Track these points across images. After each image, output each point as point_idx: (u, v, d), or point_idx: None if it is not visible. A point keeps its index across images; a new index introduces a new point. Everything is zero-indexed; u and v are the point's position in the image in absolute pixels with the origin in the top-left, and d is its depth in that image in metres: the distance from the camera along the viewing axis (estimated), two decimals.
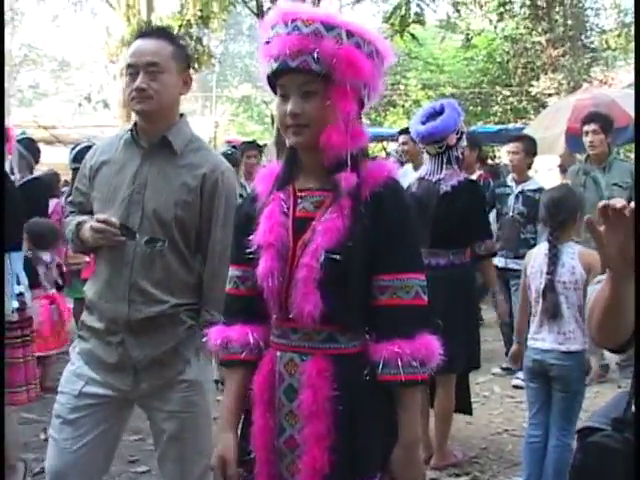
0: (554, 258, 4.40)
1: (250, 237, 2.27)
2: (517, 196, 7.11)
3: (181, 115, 3.20)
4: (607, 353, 7.35)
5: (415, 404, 2.22)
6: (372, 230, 2.17)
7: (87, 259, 7.88)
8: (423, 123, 4.93)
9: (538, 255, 4.54)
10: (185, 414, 3.09)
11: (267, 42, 2.21)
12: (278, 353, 2.29)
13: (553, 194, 4.63)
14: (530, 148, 7.26)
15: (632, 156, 11.75)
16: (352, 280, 2.18)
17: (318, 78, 2.14)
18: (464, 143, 5.05)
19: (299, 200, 2.28)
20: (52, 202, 8.44)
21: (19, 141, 7.21)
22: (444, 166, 4.95)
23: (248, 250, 2.27)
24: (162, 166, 3.05)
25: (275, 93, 2.28)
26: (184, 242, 3.06)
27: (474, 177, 7.47)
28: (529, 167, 7.38)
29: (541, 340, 4.47)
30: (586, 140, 6.99)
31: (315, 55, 2.11)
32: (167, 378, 3.08)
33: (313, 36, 2.12)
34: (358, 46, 2.15)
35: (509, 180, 7.42)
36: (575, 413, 4.48)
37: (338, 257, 2.13)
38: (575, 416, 4.47)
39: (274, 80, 2.25)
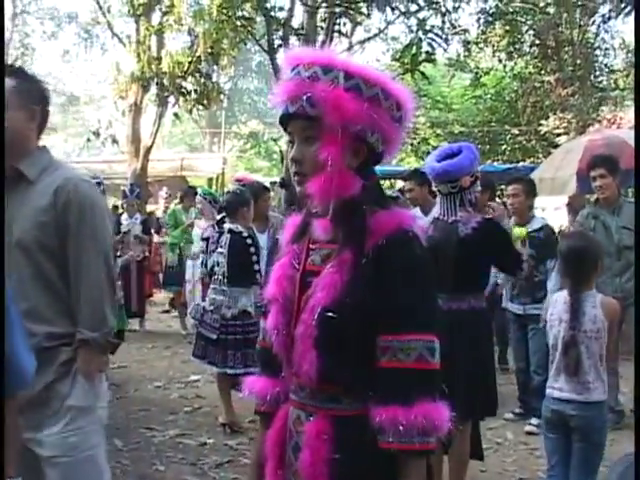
0: (576, 311, 4.29)
1: None
2: (523, 240, 6.94)
3: (43, 147, 3.20)
4: (621, 398, 7.21)
5: (415, 474, 2.05)
6: (373, 285, 2.04)
7: None
8: (439, 162, 4.85)
9: (558, 303, 4.43)
10: (66, 459, 2.95)
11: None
12: (290, 408, 2.24)
13: (574, 245, 4.50)
14: (530, 189, 7.19)
15: None
16: (350, 339, 2.05)
17: (316, 123, 2.05)
18: (478, 188, 4.96)
19: (310, 253, 2.20)
20: None
21: None
22: (457, 208, 4.85)
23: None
24: (21, 197, 3.03)
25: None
26: (51, 267, 3.00)
27: None
28: (530, 209, 7.29)
29: (559, 390, 4.36)
30: (595, 185, 6.93)
31: (308, 97, 2.04)
32: (41, 419, 2.96)
33: (310, 80, 2.06)
34: (357, 89, 2.06)
35: (511, 223, 7.23)
36: (596, 464, 4.36)
37: (332, 314, 2.02)
38: (596, 467, 4.36)
39: (285, 127, 2.19)
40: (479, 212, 5.41)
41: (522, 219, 7.08)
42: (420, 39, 12.78)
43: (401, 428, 1.97)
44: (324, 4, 12.75)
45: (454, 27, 14.53)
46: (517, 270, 5.14)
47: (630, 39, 23.74)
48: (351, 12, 13.01)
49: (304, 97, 2.04)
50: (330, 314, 2.02)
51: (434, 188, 5.32)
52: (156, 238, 13.81)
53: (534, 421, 6.72)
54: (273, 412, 2.31)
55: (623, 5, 17.54)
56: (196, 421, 7.20)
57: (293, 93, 2.07)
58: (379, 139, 2.12)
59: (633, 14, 10.85)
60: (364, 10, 13.04)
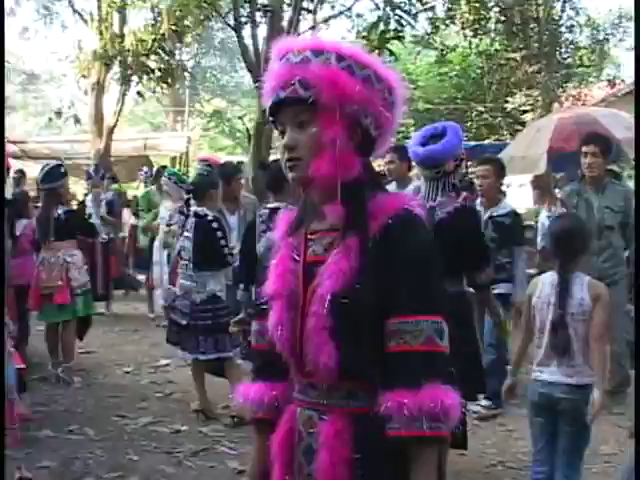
0: (564, 291, 4.22)
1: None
2: (486, 222, 6.85)
3: None
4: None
5: (427, 464, 1.92)
6: (382, 268, 1.95)
7: (60, 283, 7.66)
8: (422, 145, 4.73)
9: (544, 285, 4.35)
10: None
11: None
12: (298, 410, 2.10)
13: (564, 224, 4.47)
14: (500, 171, 7.08)
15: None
16: (366, 326, 1.95)
17: (309, 106, 1.97)
18: (462, 170, 4.86)
19: (310, 243, 2.09)
20: (21, 223, 8.19)
21: None
22: (439, 192, 4.75)
23: (262, 302, 2.10)
24: None
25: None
26: None
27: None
28: (499, 190, 7.20)
29: (548, 373, 4.28)
30: (584, 161, 6.82)
31: (301, 80, 1.96)
32: None
33: (301, 64, 1.98)
34: (350, 69, 1.98)
35: (477, 205, 7.13)
36: (582, 448, 4.33)
37: (345, 300, 1.92)
38: (582, 451, 4.33)
39: (275, 119, 2.09)
40: (489, 201, 5.27)
41: (490, 201, 6.99)
42: (388, 16, 12.64)
43: (408, 413, 1.85)
44: None
45: (422, 4, 14.37)
46: (477, 268, 4.97)
47: (594, 16, 23.85)
48: None
49: (296, 80, 1.97)
50: (342, 300, 1.92)
51: (417, 172, 5.21)
52: (132, 220, 13.59)
53: (483, 402, 6.61)
54: (271, 418, 2.20)
55: None
56: (169, 407, 7.08)
57: (284, 78, 1.99)
58: (372, 123, 2.03)
59: None
60: None
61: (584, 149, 6.84)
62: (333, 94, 1.95)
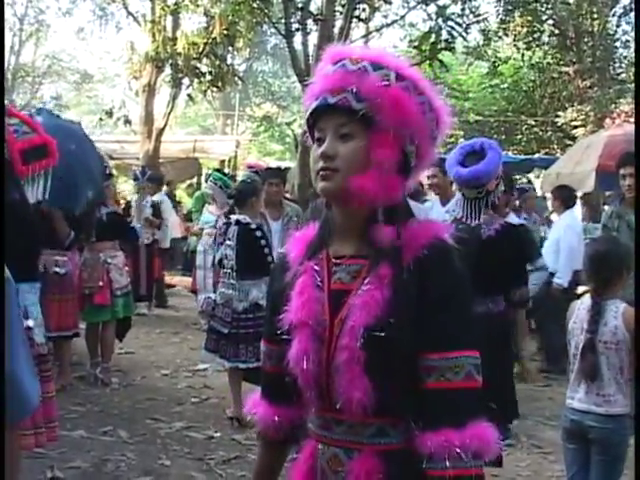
0: (596, 316, 4.14)
1: (282, 314, 2.00)
2: None
3: None
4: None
5: None
6: (417, 301, 1.87)
7: (100, 283, 7.73)
8: (462, 164, 4.68)
9: (580, 310, 4.27)
10: None
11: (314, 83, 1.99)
12: (320, 446, 2.01)
13: (599, 248, 4.36)
14: (506, 186, 6.89)
15: None
16: (400, 361, 1.88)
17: (358, 119, 1.89)
18: (502, 188, 4.81)
19: (334, 269, 1.99)
20: None
21: None
22: (482, 211, 4.70)
23: (279, 329, 1.99)
24: None
25: (313, 141, 2.01)
26: None
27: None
28: (505, 205, 7.04)
29: (578, 400, 4.21)
30: (624, 183, 6.66)
31: (355, 90, 1.88)
32: None
33: (358, 73, 1.90)
34: (408, 91, 1.91)
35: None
36: (615, 478, 4.22)
37: (380, 334, 1.84)
38: None
39: (313, 124, 2.00)
40: (499, 213, 5.26)
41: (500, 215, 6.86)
42: (440, 27, 12.55)
43: (454, 452, 1.79)
44: None
45: (474, 15, 14.27)
46: (516, 285, 4.90)
47: None
48: None
49: (351, 89, 1.88)
50: (377, 333, 1.84)
51: (458, 191, 5.14)
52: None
53: None
54: (276, 437, 2.17)
55: None
56: (203, 413, 7.08)
57: (337, 84, 1.91)
58: (414, 151, 1.96)
59: None
60: None
61: (622, 171, 6.64)
62: (394, 114, 1.88)
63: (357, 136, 1.91)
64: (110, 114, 18.17)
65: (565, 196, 9.34)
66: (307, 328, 1.94)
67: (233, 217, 6.74)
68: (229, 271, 6.61)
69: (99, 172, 7.24)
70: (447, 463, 1.80)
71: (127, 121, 18.24)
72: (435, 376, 1.86)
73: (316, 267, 2.01)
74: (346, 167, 1.90)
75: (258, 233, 6.58)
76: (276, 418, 2.14)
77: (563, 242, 8.84)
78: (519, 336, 5.50)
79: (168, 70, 17.73)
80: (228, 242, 6.64)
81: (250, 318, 6.53)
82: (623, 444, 4.20)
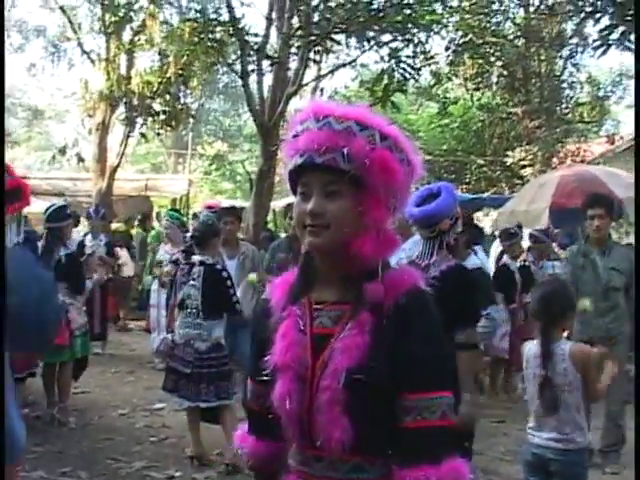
0: (547, 354, 4.32)
1: (266, 357, 2.09)
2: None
3: None
4: (590, 437, 7.20)
5: None
6: (395, 346, 1.98)
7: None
8: (418, 205, 4.79)
9: (529, 356, 4.47)
10: None
11: (295, 136, 2.06)
12: None
13: (545, 290, 4.58)
14: (466, 224, 6.95)
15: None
16: (378, 402, 1.99)
17: (344, 178, 1.98)
18: (458, 229, 4.92)
19: (315, 314, 2.09)
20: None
21: None
22: (435, 251, 4.81)
23: (264, 371, 2.09)
24: None
25: (294, 192, 2.10)
26: None
27: None
28: (467, 246, 7.18)
29: (539, 437, 4.36)
30: (592, 223, 6.86)
31: (345, 153, 1.96)
32: None
33: (345, 133, 1.98)
34: (390, 150, 2.01)
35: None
36: None
37: (362, 378, 1.95)
38: None
39: (296, 177, 2.08)
40: (457, 254, 5.35)
41: (459, 256, 6.93)
42: (393, 69, 12.80)
43: None
44: (299, 32, 12.73)
45: (426, 58, 14.54)
46: (460, 326, 4.99)
47: (595, 73, 24.15)
48: (327, 42, 12.99)
49: (341, 151, 1.97)
50: (358, 376, 1.95)
51: (417, 231, 5.24)
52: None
53: None
54: (267, 471, 2.27)
55: (591, 41, 17.71)
56: (163, 452, 7.06)
57: (324, 144, 1.98)
58: (395, 203, 2.07)
59: (600, 50, 10.86)
60: (342, 40, 13.03)
61: (590, 212, 6.86)
62: (382, 176, 1.98)
63: (345, 194, 2.00)
64: (63, 152, 18.13)
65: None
66: (290, 370, 2.03)
67: (196, 258, 6.80)
68: (193, 311, 6.64)
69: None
70: None
71: (80, 159, 18.22)
72: (413, 415, 1.97)
73: (298, 312, 2.10)
74: (336, 224, 2.00)
75: (224, 274, 6.67)
76: (263, 451, 2.24)
77: None
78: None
79: (122, 108, 17.76)
80: (192, 282, 6.67)
81: (213, 357, 6.56)
82: (583, 476, 4.36)
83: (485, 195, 19.97)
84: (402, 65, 12.93)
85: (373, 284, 2.02)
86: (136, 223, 18.24)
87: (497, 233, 11.64)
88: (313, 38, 12.47)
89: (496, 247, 11.83)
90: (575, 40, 20.70)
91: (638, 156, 5.79)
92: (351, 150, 1.96)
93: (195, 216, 10.70)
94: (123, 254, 14.40)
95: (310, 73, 17.40)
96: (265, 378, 2.09)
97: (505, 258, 9.93)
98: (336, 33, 12.77)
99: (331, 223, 2.00)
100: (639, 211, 6.11)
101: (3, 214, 2.64)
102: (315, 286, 2.13)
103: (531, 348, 4.46)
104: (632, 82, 24.21)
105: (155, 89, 16.29)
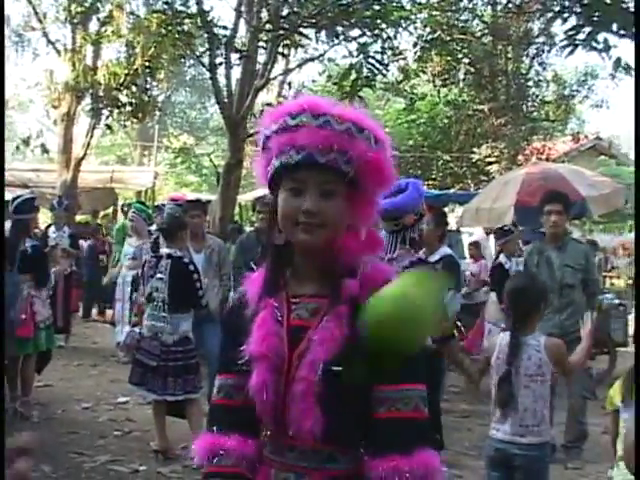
0: (515, 349, 4.32)
1: (241, 347, 2.08)
2: None
3: None
4: (553, 432, 7.26)
5: None
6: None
7: (24, 316, 7.60)
8: (384, 198, 4.80)
9: (502, 345, 4.43)
10: None
11: (284, 129, 2.03)
12: (272, 471, 2.10)
13: (517, 283, 4.59)
14: (440, 220, 6.89)
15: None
16: (352, 394, 1.99)
17: (342, 179, 2.00)
18: (423, 225, 4.93)
19: (293, 307, 2.10)
20: None
21: None
22: (398, 245, 4.82)
23: (240, 361, 2.07)
24: None
25: (273, 185, 2.10)
26: None
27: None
28: (440, 238, 7.20)
29: (502, 432, 4.36)
30: (549, 219, 6.89)
31: (348, 155, 1.99)
32: None
33: (346, 135, 2.00)
34: (383, 153, 2.05)
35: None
36: None
37: (338, 369, 1.96)
38: None
39: (284, 171, 2.05)
40: (428, 249, 5.35)
41: (430, 249, 6.93)
42: (361, 64, 12.79)
43: (406, 477, 1.91)
44: (268, 25, 12.68)
45: (394, 54, 14.55)
46: None
47: (561, 72, 24.34)
48: (296, 36, 12.95)
49: (344, 152, 1.99)
50: (335, 368, 1.96)
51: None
52: None
53: None
54: (250, 475, 2.15)
55: (558, 40, 17.83)
56: (127, 446, 7.01)
57: (326, 143, 1.98)
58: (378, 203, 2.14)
59: (568, 50, 10.90)
60: (311, 35, 13.00)
61: (548, 207, 6.91)
62: (376, 178, 2.03)
63: (340, 194, 2.02)
64: (27, 142, 17.93)
65: None
66: (266, 360, 2.03)
67: (163, 251, 6.75)
68: (160, 304, 6.60)
69: None
70: None
71: (45, 150, 18.03)
72: (386, 406, 1.98)
73: (275, 304, 2.11)
74: (331, 223, 2.02)
75: (191, 267, 6.64)
76: (250, 451, 2.13)
77: None
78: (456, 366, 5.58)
79: (88, 99, 17.60)
80: (159, 275, 6.62)
81: (180, 351, 6.53)
82: (545, 470, 4.40)
83: (451, 191, 20.08)
84: (370, 60, 12.92)
85: (351, 280, 2.04)
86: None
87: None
88: (282, 32, 12.43)
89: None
90: (542, 39, 20.86)
91: (638, 156, 5.86)
92: (351, 151, 1.99)
93: (158, 208, 10.57)
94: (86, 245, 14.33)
95: (278, 67, 17.40)
96: (240, 368, 2.08)
97: (501, 257, 9.91)
98: (305, 27, 12.74)
99: (326, 222, 2.02)
100: (639, 211, 6.15)
101: (3, 214, 2.60)
102: (292, 280, 2.14)
103: (504, 338, 4.47)
104: (597, 82, 24.61)
105: (122, 80, 16.14)
